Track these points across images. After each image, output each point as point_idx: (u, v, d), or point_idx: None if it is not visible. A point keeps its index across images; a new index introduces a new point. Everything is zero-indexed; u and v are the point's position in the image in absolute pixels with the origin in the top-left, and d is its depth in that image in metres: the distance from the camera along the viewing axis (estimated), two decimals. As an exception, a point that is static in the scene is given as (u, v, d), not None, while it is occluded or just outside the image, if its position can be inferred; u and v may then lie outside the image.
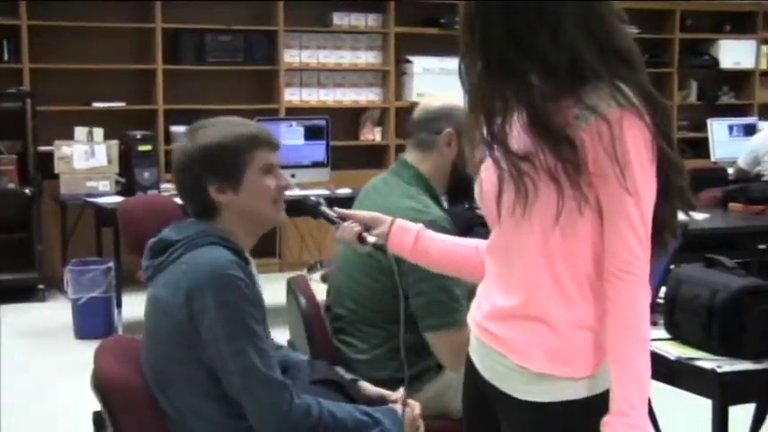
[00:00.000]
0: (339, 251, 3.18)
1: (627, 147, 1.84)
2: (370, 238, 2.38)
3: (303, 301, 3.13)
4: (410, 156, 3.12)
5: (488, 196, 1.97)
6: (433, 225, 2.86)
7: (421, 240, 2.33)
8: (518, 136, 1.91)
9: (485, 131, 1.93)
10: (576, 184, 1.85)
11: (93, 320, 6.39)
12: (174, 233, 2.43)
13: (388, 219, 2.38)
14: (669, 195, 1.96)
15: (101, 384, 2.36)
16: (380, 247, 2.37)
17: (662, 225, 1.96)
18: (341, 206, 3.24)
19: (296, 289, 3.19)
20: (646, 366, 1.90)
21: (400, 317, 2.45)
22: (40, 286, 7.41)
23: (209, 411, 2.34)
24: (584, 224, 1.89)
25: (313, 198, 2.60)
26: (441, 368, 3.03)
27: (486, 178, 1.99)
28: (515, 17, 1.86)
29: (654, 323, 3.01)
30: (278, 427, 2.31)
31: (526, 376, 1.95)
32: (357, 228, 2.39)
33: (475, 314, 2.09)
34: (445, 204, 3.31)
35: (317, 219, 2.54)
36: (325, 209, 2.51)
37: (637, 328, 1.90)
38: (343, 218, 2.44)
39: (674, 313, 2.83)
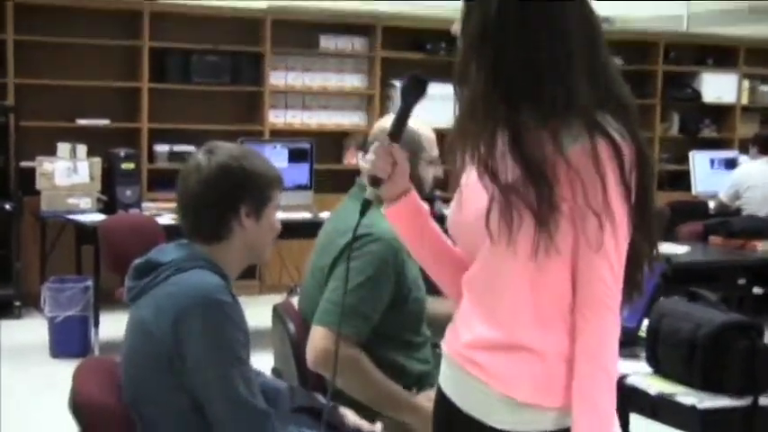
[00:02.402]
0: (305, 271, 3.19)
1: (606, 180, 1.85)
2: (370, 192, 2.08)
3: (292, 326, 3.12)
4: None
5: (474, 224, 1.96)
6: (376, 240, 2.88)
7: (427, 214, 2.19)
8: (510, 165, 1.90)
9: (475, 156, 1.93)
10: (546, 220, 1.85)
11: (69, 339, 6.35)
12: (161, 255, 2.42)
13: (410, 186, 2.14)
14: (643, 229, 1.96)
15: (79, 406, 2.32)
16: (368, 202, 2.09)
17: (638, 257, 1.97)
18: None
19: (283, 315, 3.18)
20: (610, 400, 1.89)
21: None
22: (17, 303, 7.34)
23: None
24: (564, 258, 1.90)
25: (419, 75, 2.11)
26: (416, 391, 3.02)
27: (469, 206, 1.98)
28: (532, 40, 1.87)
29: (636, 356, 3.02)
30: None
31: (509, 406, 1.93)
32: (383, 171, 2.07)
33: (453, 343, 2.07)
34: None
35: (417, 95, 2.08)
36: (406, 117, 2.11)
37: (603, 360, 1.89)
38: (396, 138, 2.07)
39: (656, 347, 2.83)
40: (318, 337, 2.88)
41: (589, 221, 1.86)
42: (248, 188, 2.44)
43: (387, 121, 3.03)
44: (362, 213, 2.08)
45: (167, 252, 2.43)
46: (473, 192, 1.96)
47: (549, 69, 1.87)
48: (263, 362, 3.01)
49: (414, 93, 2.06)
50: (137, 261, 2.45)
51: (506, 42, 1.89)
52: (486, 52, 1.90)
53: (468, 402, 2.01)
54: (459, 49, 1.97)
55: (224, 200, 2.43)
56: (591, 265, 1.88)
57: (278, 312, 3.24)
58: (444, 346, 2.11)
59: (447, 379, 2.09)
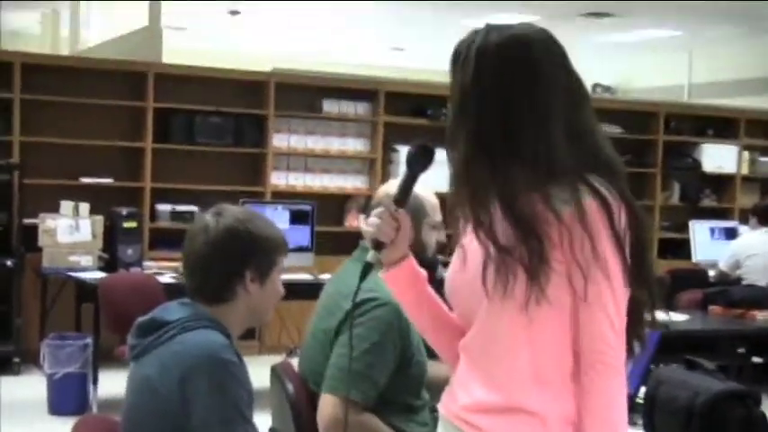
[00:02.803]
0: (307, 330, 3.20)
1: (597, 234, 1.88)
2: (372, 255, 2.10)
3: (290, 387, 3.12)
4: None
5: (473, 283, 1.98)
6: (381, 305, 2.89)
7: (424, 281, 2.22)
8: (503, 226, 1.94)
9: (470, 216, 1.97)
10: (537, 273, 1.88)
11: (67, 396, 6.33)
12: (166, 314, 2.43)
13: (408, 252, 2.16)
14: (642, 282, 1.97)
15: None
16: (370, 265, 2.10)
17: (638, 310, 1.99)
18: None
19: (282, 375, 3.18)
20: None
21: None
22: (16, 359, 7.32)
23: None
24: (560, 319, 1.92)
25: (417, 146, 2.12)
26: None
27: (471, 266, 2.01)
28: (508, 108, 1.93)
29: (633, 423, 3.02)
30: None
31: None
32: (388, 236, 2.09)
33: (450, 405, 2.08)
34: None
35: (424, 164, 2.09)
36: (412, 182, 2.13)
37: (612, 422, 1.90)
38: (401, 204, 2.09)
39: (654, 414, 2.84)
40: (327, 405, 2.89)
41: (581, 276, 1.89)
42: (254, 252, 2.45)
43: (391, 186, 3.06)
44: (363, 277, 2.10)
45: (172, 311, 2.43)
46: (473, 252, 1.99)
47: (527, 130, 1.92)
48: (260, 422, 3.01)
49: (421, 161, 2.09)
50: (141, 319, 2.45)
51: (483, 108, 1.95)
52: (467, 118, 1.96)
53: None
54: (448, 115, 2.03)
55: (230, 263, 2.44)
56: (592, 319, 1.90)
57: (277, 373, 3.24)
58: (441, 408, 2.12)
59: None
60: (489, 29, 1.99)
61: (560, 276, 1.90)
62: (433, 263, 3.09)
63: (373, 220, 2.08)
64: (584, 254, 1.88)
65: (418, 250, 3.06)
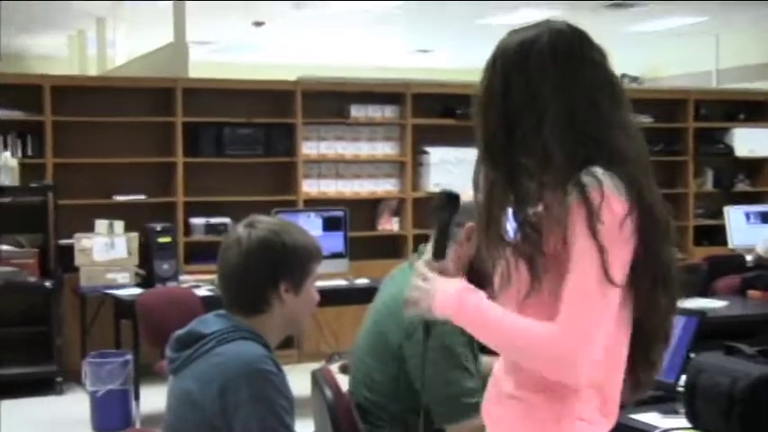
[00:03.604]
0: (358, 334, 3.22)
1: (575, 234, 1.86)
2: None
3: (329, 393, 3.13)
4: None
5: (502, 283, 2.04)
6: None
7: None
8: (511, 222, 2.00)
9: (483, 217, 2.02)
10: (536, 270, 1.91)
11: (111, 413, 6.37)
12: (204, 326, 2.43)
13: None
14: (656, 285, 1.95)
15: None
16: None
17: (649, 330, 1.99)
18: (362, 296, 3.30)
19: (321, 381, 3.19)
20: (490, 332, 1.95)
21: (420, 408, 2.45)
22: (59, 379, 7.38)
23: None
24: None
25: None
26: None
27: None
28: (510, 105, 1.97)
29: (675, 412, 3.01)
30: None
31: None
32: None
33: (486, 398, 2.13)
34: None
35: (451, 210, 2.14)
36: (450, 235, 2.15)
37: (510, 341, 1.93)
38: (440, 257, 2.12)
39: (695, 402, 2.82)
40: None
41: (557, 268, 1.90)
42: (288, 263, 2.45)
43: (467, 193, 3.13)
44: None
45: (209, 323, 2.44)
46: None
47: (523, 132, 1.95)
48: (303, 429, 3.03)
49: (448, 208, 2.11)
50: (178, 332, 2.46)
51: (488, 113, 2.01)
52: (479, 123, 2.03)
53: None
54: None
55: (263, 275, 2.44)
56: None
57: (316, 378, 3.26)
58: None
59: None
60: (508, 34, 2.03)
61: (557, 270, 1.89)
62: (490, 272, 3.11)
63: (418, 282, 2.08)
64: (560, 248, 1.88)
65: (478, 260, 3.07)
